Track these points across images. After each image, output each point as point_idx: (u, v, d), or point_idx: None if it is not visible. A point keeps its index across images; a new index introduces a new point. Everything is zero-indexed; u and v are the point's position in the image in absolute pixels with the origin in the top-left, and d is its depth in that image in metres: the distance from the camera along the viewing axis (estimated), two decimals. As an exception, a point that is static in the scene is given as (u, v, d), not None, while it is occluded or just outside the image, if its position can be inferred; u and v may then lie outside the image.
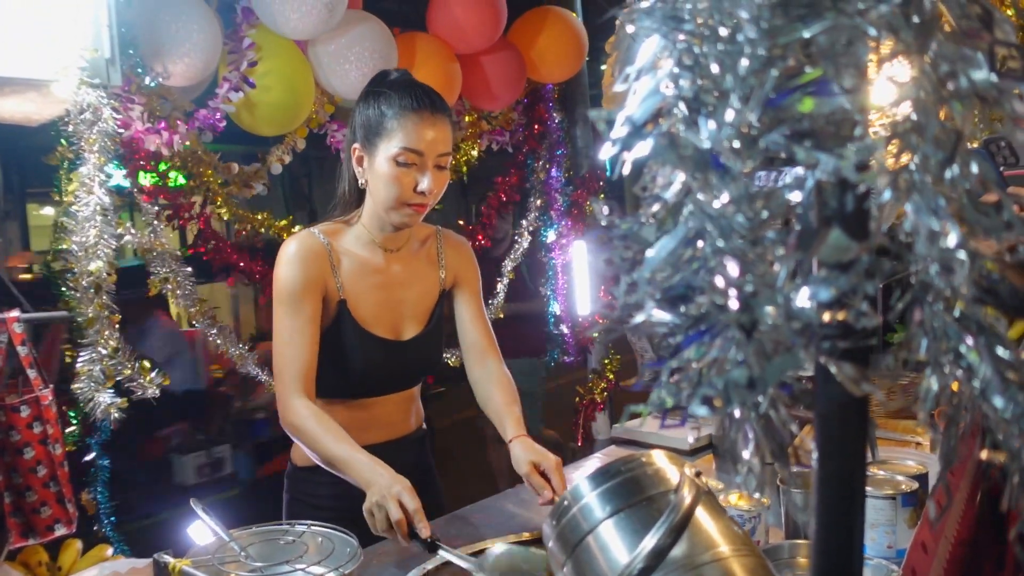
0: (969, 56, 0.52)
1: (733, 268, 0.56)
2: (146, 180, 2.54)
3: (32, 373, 1.97)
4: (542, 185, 3.89)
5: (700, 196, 0.57)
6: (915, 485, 1.37)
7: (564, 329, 3.97)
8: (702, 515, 1.04)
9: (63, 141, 2.19)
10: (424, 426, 1.99)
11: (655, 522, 1.01)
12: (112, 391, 2.09)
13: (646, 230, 0.79)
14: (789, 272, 0.55)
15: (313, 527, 1.69)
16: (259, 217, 2.87)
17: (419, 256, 1.86)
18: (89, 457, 2.35)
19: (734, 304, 0.58)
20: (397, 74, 1.74)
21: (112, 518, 2.54)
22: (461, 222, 3.83)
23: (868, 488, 1.41)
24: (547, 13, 3.63)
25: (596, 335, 3.99)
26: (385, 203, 1.67)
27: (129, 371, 2.11)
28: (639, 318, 0.79)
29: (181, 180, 2.70)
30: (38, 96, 1.99)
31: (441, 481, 2.03)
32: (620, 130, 0.81)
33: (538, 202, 3.90)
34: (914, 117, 0.54)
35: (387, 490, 1.46)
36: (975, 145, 1.65)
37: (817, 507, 0.69)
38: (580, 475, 1.12)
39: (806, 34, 0.53)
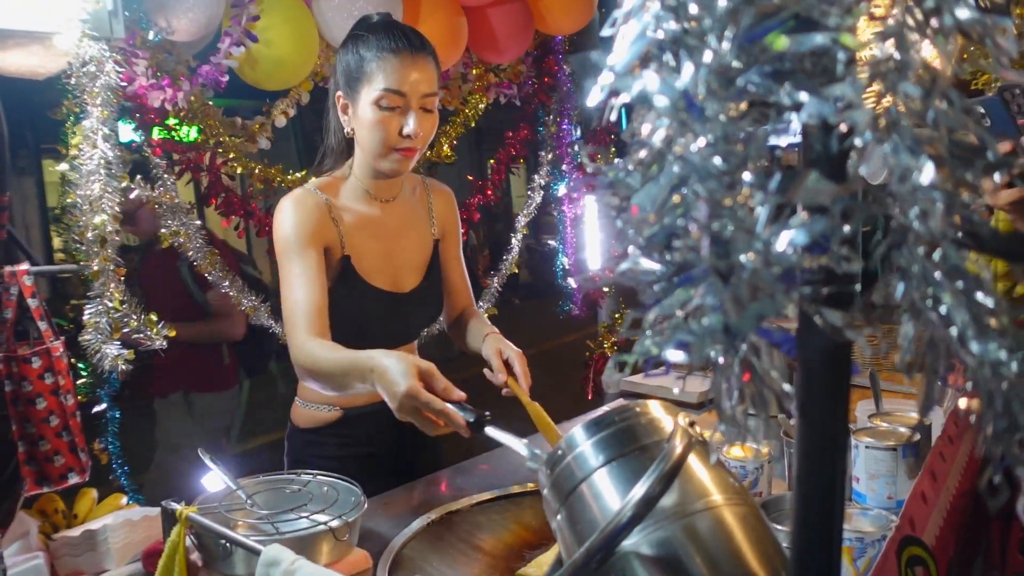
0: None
1: (708, 211, 0.56)
2: (156, 135, 2.54)
3: (43, 325, 2.00)
4: (552, 139, 3.85)
5: (680, 140, 0.56)
6: (916, 436, 1.37)
7: (572, 283, 3.96)
8: (695, 464, 1.05)
9: (68, 95, 2.19)
10: None
11: (647, 470, 1.02)
12: (119, 343, 2.12)
13: (632, 177, 0.79)
14: (769, 216, 0.54)
15: (318, 476, 1.72)
16: (272, 171, 2.87)
17: (412, 206, 1.85)
18: (100, 408, 2.40)
19: (709, 249, 0.57)
20: (378, 17, 1.70)
21: (125, 468, 2.60)
22: (470, 177, 3.80)
23: (869, 439, 1.42)
24: (556, -38, 3.55)
25: (606, 289, 3.98)
26: (372, 150, 1.64)
27: (135, 323, 2.13)
28: (624, 266, 0.79)
29: (193, 134, 2.70)
30: (42, 49, 1.98)
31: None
32: (607, 76, 0.80)
33: (549, 156, 3.86)
34: (897, 56, 0.52)
35: (403, 381, 1.32)
36: (990, 93, 1.61)
37: (799, 456, 0.69)
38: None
39: (787, -30, 0.52)
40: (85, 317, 2.08)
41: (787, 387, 0.73)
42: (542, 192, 3.84)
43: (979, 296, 0.54)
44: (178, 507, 1.49)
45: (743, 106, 0.57)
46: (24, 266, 2.03)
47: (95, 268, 2.04)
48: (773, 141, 0.54)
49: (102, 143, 2.02)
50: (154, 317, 2.21)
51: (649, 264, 0.76)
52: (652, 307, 0.78)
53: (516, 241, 3.73)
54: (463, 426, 1.31)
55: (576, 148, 3.61)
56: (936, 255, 0.54)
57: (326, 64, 3.02)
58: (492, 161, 3.76)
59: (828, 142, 0.61)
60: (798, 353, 0.69)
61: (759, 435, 0.74)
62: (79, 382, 2.33)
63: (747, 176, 0.54)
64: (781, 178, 0.55)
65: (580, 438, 1.09)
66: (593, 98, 0.82)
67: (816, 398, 0.66)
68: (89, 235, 2.02)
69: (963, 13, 0.50)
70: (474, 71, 3.51)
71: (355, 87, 1.62)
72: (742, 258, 0.57)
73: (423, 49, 1.64)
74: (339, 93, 1.68)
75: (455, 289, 1.96)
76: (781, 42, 0.53)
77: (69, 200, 2.04)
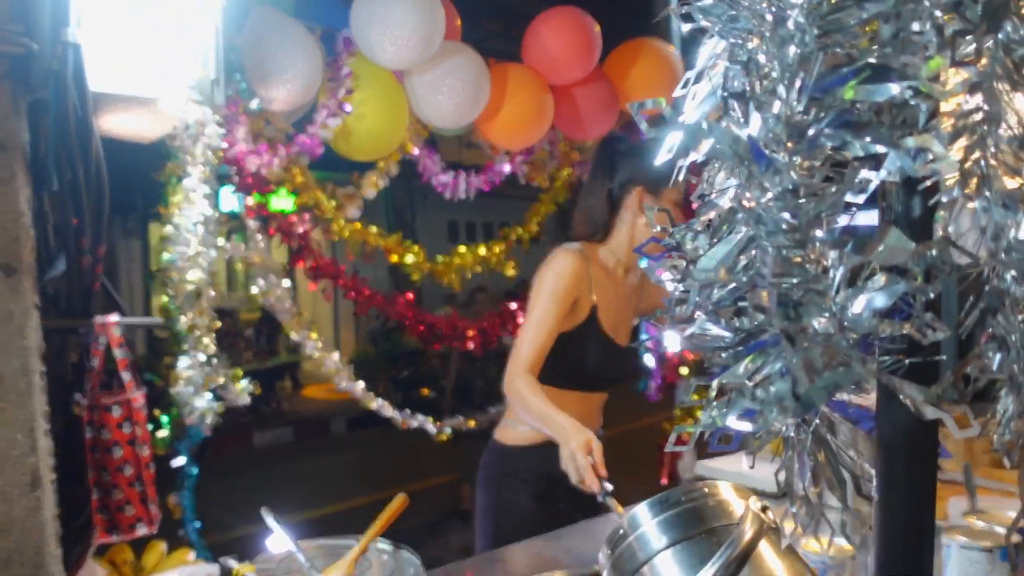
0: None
1: (778, 269, 0.52)
2: (251, 201, 2.65)
3: (126, 376, 2.06)
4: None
5: (747, 195, 0.53)
6: (1017, 537, 1.25)
7: (649, 362, 3.88)
8: (766, 552, 0.97)
9: (172, 158, 2.32)
10: (602, 431, 2.25)
11: (713, 556, 0.95)
12: (210, 395, 2.18)
13: (700, 238, 0.76)
14: (844, 277, 0.51)
15: (380, 544, 1.68)
16: (370, 232, 2.99)
17: (634, 280, 2.20)
18: (179, 462, 2.44)
19: (777, 311, 0.54)
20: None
21: (196, 523, 2.62)
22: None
23: (963, 539, 1.30)
24: (642, 45, 3.61)
25: (684, 370, 3.88)
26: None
27: (223, 379, 2.19)
28: (691, 331, 0.75)
29: (289, 206, 2.83)
30: (148, 113, 2.11)
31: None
32: (676, 134, 0.78)
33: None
34: (986, 107, 0.49)
35: (575, 442, 1.74)
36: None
37: (878, 544, 0.63)
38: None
39: (863, 14, 0.50)
40: (177, 369, 2.16)
41: (868, 468, 0.68)
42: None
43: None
44: (236, 565, 1.48)
45: (816, 161, 0.54)
46: (113, 317, 2.12)
47: (188, 323, 2.12)
48: (849, 198, 0.50)
49: (201, 201, 2.12)
50: (239, 373, 2.26)
51: (717, 330, 0.72)
52: (719, 375, 0.74)
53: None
54: (592, 489, 1.71)
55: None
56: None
57: (415, 137, 3.11)
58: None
59: (910, 198, 0.57)
60: (877, 431, 0.64)
61: (839, 525, 0.67)
62: (160, 435, 2.38)
63: (819, 233, 0.51)
64: (858, 237, 0.51)
65: (644, 517, 1.03)
66: (661, 157, 0.80)
67: (897, 482, 0.60)
68: (186, 289, 2.10)
69: (1060, 62, 0.46)
70: (561, 147, 3.55)
71: (660, 188, 2.03)
72: (814, 322, 0.53)
73: None
74: (641, 188, 2.04)
75: None
76: (854, 92, 0.50)
77: (167, 256, 2.14)
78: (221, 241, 2.27)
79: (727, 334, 0.72)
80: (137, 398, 2.08)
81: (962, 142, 0.49)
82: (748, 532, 0.93)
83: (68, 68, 1.76)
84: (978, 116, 0.48)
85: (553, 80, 3.28)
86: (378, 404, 3.27)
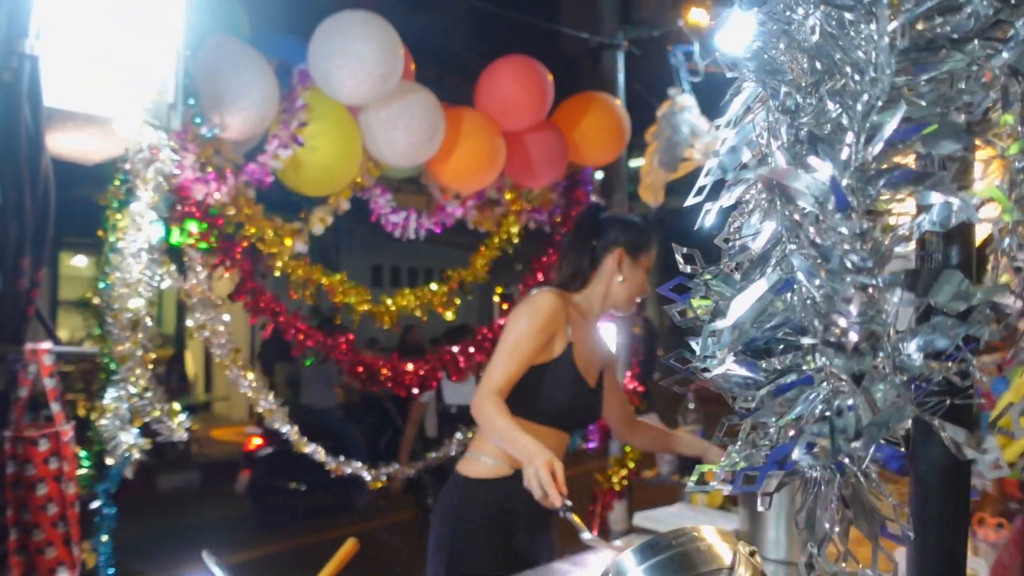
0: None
1: (846, 309, 0.53)
2: (193, 227, 2.57)
3: (56, 407, 1.94)
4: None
5: (810, 231, 0.54)
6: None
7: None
8: (758, 598, 0.98)
9: (116, 180, 2.23)
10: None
11: (707, 601, 0.95)
12: (137, 431, 2.07)
13: (730, 280, 0.77)
14: (907, 318, 0.52)
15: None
16: (314, 270, 2.92)
17: (597, 333, 2.40)
18: (95, 504, 2.29)
19: (841, 351, 0.55)
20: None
21: (111, 571, 2.46)
22: (496, 298, 3.83)
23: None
24: (591, 98, 3.70)
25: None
26: (631, 296, 2.31)
27: (158, 412, 2.08)
28: (718, 370, 0.76)
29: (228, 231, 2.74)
30: (98, 133, 2.03)
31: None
32: (706, 180, 0.79)
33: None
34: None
35: (538, 460, 1.83)
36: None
37: (910, 584, 0.64)
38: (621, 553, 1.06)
39: (928, 75, 0.52)
40: (105, 401, 2.03)
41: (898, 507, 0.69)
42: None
43: None
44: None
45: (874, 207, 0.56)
46: (46, 345, 2.00)
47: (124, 352, 2.01)
48: (916, 233, 0.52)
49: (148, 227, 2.04)
50: (177, 407, 2.16)
51: (744, 371, 0.73)
52: (749, 415, 0.74)
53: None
54: (554, 504, 1.81)
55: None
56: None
57: (367, 175, 3.09)
58: (521, 285, 3.78)
59: (949, 248, 0.59)
60: (913, 469, 0.65)
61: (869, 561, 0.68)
62: (80, 473, 2.24)
63: (885, 274, 0.53)
64: (919, 279, 0.53)
65: (630, 563, 1.02)
66: (691, 200, 0.81)
67: (932, 519, 0.61)
68: (124, 318, 2.00)
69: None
70: (507, 195, 3.59)
71: (638, 253, 2.29)
72: (873, 361, 0.54)
73: None
74: (620, 250, 2.27)
75: (624, 407, 2.54)
76: (922, 144, 0.52)
77: (108, 282, 2.04)
78: (166, 268, 2.18)
79: (753, 375, 0.73)
80: (66, 431, 1.96)
81: (1015, 195, 0.52)
82: (744, 576, 0.94)
83: (23, 80, 1.69)
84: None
85: (505, 126, 3.33)
86: (311, 448, 3.18)
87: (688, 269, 0.78)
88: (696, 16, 4.00)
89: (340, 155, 2.89)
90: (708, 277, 0.78)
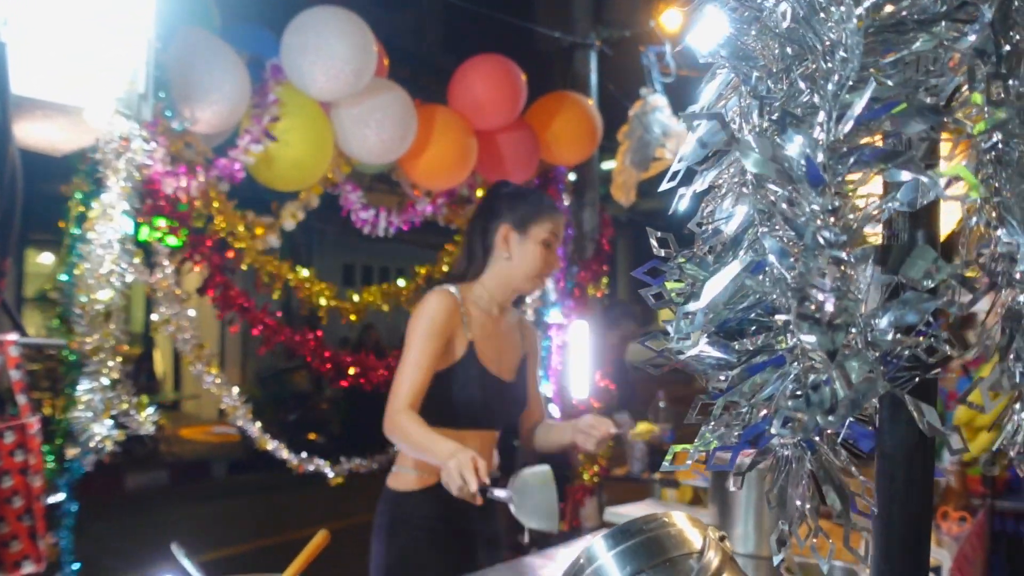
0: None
1: (821, 283, 0.55)
2: (162, 223, 2.54)
3: (22, 399, 1.91)
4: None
5: (784, 208, 0.56)
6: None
7: (555, 411, 3.91)
8: (728, 581, 0.99)
9: (81, 173, 2.20)
10: (497, 472, 2.27)
11: (678, 585, 0.96)
12: (110, 422, 2.04)
13: (704, 263, 0.78)
14: (877, 293, 0.54)
15: (297, 584, 1.61)
16: (283, 266, 2.89)
17: (512, 321, 2.32)
18: (56, 498, 2.26)
19: (816, 325, 0.56)
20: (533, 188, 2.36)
21: (76, 565, 2.42)
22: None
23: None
24: (564, 98, 3.72)
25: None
26: (528, 273, 2.15)
27: (126, 405, 2.06)
28: (692, 351, 0.77)
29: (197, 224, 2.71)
30: (67, 123, 2.00)
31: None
32: (679, 165, 0.81)
33: (541, 281, 3.90)
34: (1000, 146, 0.54)
35: (459, 456, 1.79)
36: None
37: (876, 553, 0.65)
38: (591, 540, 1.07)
39: (895, 56, 0.54)
40: (78, 392, 2.01)
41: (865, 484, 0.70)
42: (532, 316, 3.85)
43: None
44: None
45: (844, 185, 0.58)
46: (12, 336, 1.97)
47: (92, 344, 1.98)
48: (887, 212, 0.54)
49: (119, 218, 2.01)
50: (145, 400, 2.13)
51: (716, 352, 0.74)
52: (722, 395, 0.76)
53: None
54: (472, 492, 1.77)
55: (591, 285, 3.85)
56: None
57: (337, 171, 3.08)
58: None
59: (916, 228, 0.61)
60: (879, 445, 0.67)
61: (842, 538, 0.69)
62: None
63: (857, 252, 0.54)
64: (887, 256, 0.55)
65: (601, 549, 1.03)
66: (665, 185, 0.83)
67: (897, 493, 0.63)
68: (93, 309, 1.97)
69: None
70: (478, 192, 3.59)
71: (527, 225, 2.14)
72: (845, 337, 0.56)
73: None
74: (506, 225, 2.15)
75: (535, 404, 2.39)
76: (890, 123, 0.54)
77: (77, 272, 2.01)
78: (138, 259, 2.15)
79: (726, 356, 0.74)
80: (33, 424, 1.93)
81: (983, 173, 0.54)
82: (714, 560, 0.95)
83: (-11, 67, 1.66)
84: (997, 152, 0.53)
85: (477, 125, 3.33)
86: (274, 445, 3.15)
87: (662, 253, 0.79)
88: (668, 17, 4.04)
89: (312, 151, 2.87)
90: (682, 260, 0.79)
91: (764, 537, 2.12)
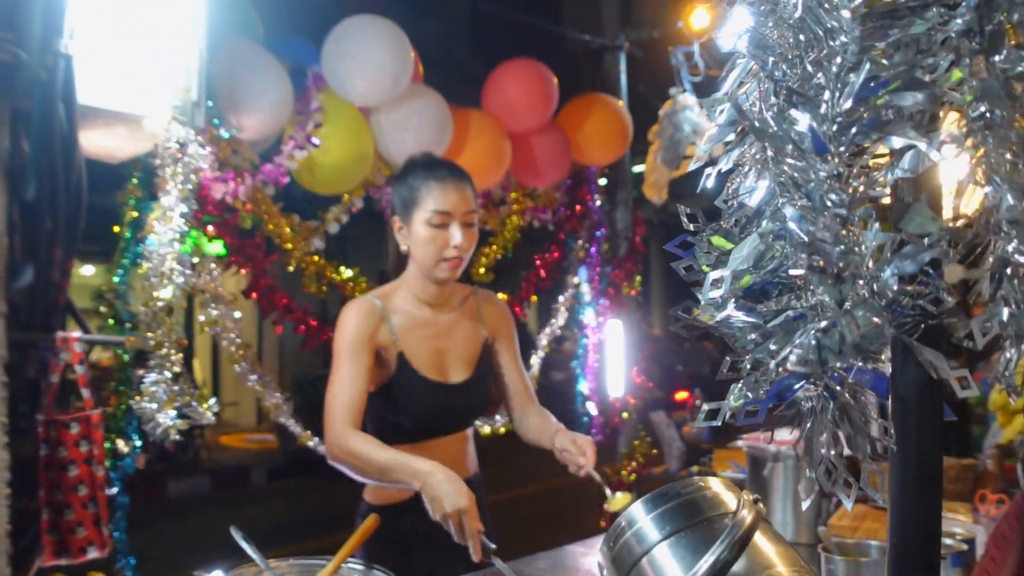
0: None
1: (829, 238, 0.61)
2: (210, 228, 2.66)
3: (86, 392, 2.03)
4: (580, 264, 3.97)
5: (795, 176, 0.62)
6: (964, 547, 1.36)
7: (592, 409, 3.97)
8: (761, 539, 1.05)
9: (134, 178, 2.33)
10: (479, 472, 2.11)
11: (713, 542, 1.02)
12: (174, 413, 2.16)
13: (730, 234, 0.85)
14: (877, 248, 0.60)
15: (351, 564, 1.68)
16: (328, 267, 3.00)
17: (461, 311, 2.07)
18: (110, 491, 2.37)
19: (825, 277, 0.63)
20: (421, 156, 2.01)
21: (131, 560, 2.53)
22: (502, 295, 3.91)
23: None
24: (595, 99, 3.80)
25: (626, 415, 3.98)
26: (426, 262, 1.90)
27: (189, 397, 2.17)
28: (721, 315, 0.84)
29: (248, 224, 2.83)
30: (126, 131, 2.12)
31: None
32: (705, 147, 0.88)
33: (575, 280, 3.98)
34: (987, 114, 0.60)
35: (450, 502, 1.63)
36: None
37: (894, 491, 0.72)
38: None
39: (890, 38, 0.61)
40: (144, 384, 2.13)
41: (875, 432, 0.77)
42: (566, 314, 3.93)
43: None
44: (209, 577, 1.47)
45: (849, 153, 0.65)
46: (76, 333, 2.08)
47: (156, 339, 2.10)
48: (890, 176, 0.60)
49: (178, 219, 2.13)
50: (206, 392, 2.24)
51: (743, 316, 0.81)
52: (750, 354, 0.83)
53: (537, 358, 3.79)
54: (478, 551, 1.61)
55: (625, 284, 3.79)
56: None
57: (378, 174, 3.18)
58: (522, 281, 3.87)
59: (920, 192, 0.68)
60: (892, 388, 0.73)
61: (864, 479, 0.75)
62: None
63: (860, 211, 0.61)
64: (889, 213, 0.61)
65: (640, 512, 1.09)
66: (694, 164, 0.90)
67: (911, 433, 0.69)
68: (156, 306, 2.09)
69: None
70: (512, 194, 3.68)
71: (409, 211, 1.89)
72: (853, 286, 0.62)
73: (460, 175, 1.92)
74: (395, 217, 1.95)
75: (516, 389, 2.13)
76: (887, 98, 0.61)
77: (139, 272, 2.13)
78: (198, 259, 2.27)
79: (752, 319, 0.81)
80: (97, 416, 2.05)
81: (972, 140, 0.60)
82: (748, 517, 1.01)
83: (58, 79, 1.78)
84: (983, 119, 0.59)
85: (511, 127, 3.42)
86: (314, 442, 3.26)
87: (692, 227, 0.86)
88: (696, 17, 4.09)
89: (353, 155, 2.98)
90: (710, 233, 0.86)
91: (801, 525, 2.15)
